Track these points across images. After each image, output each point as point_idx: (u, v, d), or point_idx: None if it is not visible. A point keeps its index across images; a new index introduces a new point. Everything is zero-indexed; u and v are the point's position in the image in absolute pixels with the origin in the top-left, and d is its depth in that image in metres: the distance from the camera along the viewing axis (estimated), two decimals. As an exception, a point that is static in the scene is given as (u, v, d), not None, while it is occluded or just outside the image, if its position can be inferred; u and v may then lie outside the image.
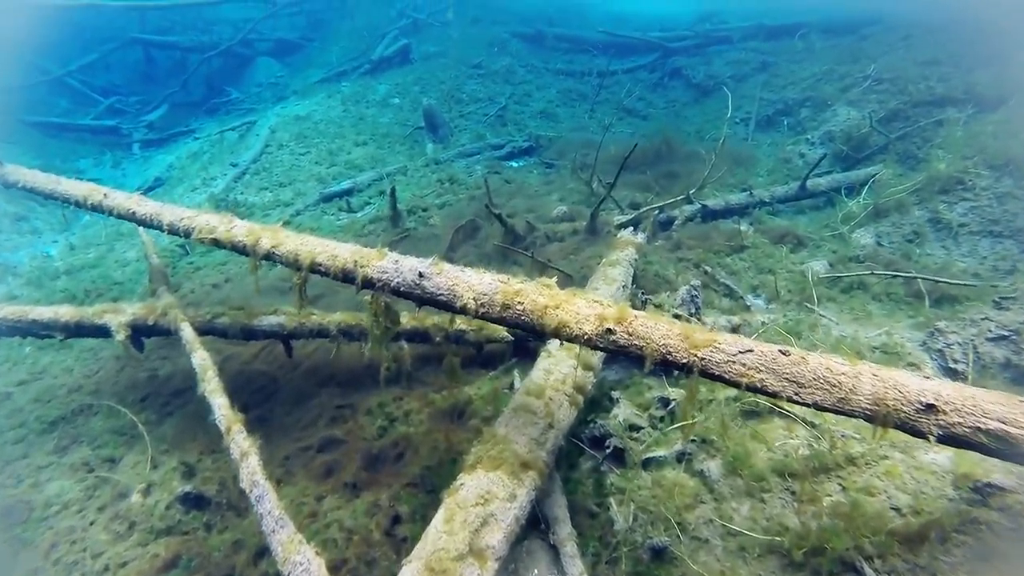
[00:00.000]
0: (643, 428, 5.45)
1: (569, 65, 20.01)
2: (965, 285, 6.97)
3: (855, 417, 3.29)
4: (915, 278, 7.24)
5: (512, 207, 10.83)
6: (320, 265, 4.96)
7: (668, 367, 3.76)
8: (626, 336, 3.77)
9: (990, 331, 5.80)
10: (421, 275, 4.50)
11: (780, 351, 3.48)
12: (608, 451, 5.32)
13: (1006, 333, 5.72)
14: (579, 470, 5.37)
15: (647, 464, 5.22)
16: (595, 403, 5.83)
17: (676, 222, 9.59)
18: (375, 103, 17.61)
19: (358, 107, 17.38)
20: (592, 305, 3.98)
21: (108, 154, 17.41)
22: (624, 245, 7.47)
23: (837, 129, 11.77)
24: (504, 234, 9.34)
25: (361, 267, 4.75)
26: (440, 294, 4.43)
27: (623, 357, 3.85)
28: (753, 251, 8.63)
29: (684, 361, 3.63)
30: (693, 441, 5.08)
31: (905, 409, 3.15)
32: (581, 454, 5.45)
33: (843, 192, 10.02)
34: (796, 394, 3.40)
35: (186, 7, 22.64)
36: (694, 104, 16.78)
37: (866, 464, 4.48)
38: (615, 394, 5.86)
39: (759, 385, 3.48)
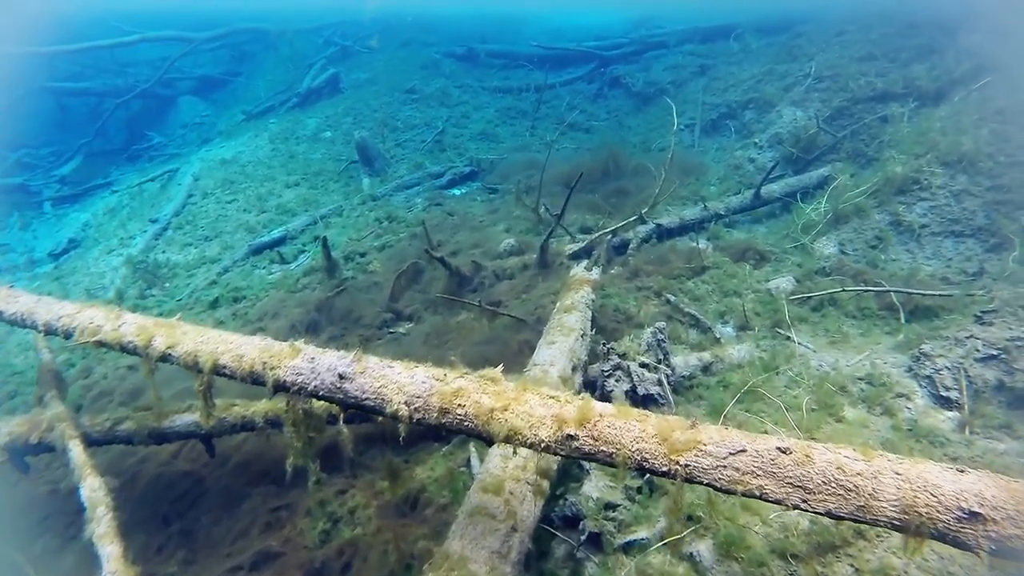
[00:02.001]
0: (619, 505, 4.80)
1: (506, 82, 19.48)
2: (940, 295, 6.58)
3: (879, 526, 2.69)
4: (887, 291, 6.83)
5: (456, 243, 10.13)
6: (224, 367, 4.17)
7: (645, 472, 3.10)
8: (591, 442, 3.11)
9: (978, 351, 5.36)
10: (342, 376, 3.76)
11: (779, 448, 2.86)
12: (583, 536, 4.66)
13: (995, 352, 5.29)
14: (552, 558, 4.68)
15: (628, 548, 4.57)
16: (563, 471, 5.17)
17: (631, 245, 9.05)
18: (305, 139, 16.70)
19: (287, 144, 16.44)
20: (547, 403, 3.30)
21: (16, 214, 15.99)
22: (579, 285, 6.84)
23: (784, 131, 11.48)
24: (449, 277, 8.62)
25: (271, 369, 3.97)
26: (366, 398, 3.69)
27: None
28: (715, 272, 8.13)
29: (664, 469, 2.98)
30: (677, 521, 4.45)
31: (943, 518, 2.55)
32: (552, 537, 4.76)
33: (798, 197, 9.66)
34: (804, 501, 2.77)
35: (97, 49, 21.22)
36: (636, 113, 16.43)
37: (878, 537, 3.91)
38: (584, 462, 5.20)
39: (758, 493, 2.85)
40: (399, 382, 3.63)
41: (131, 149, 20.25)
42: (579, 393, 5.58)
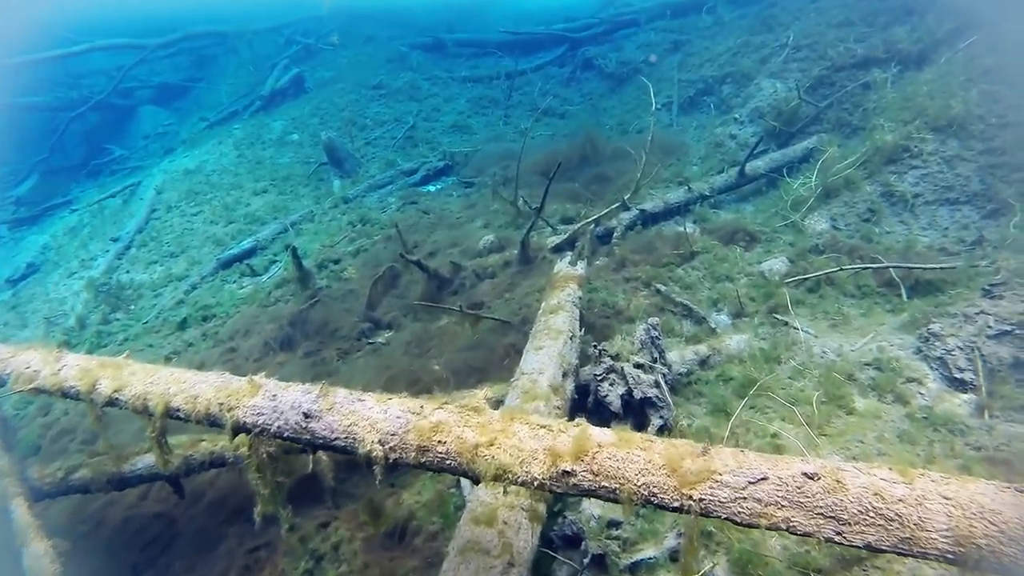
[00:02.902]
0: (622, 522, 4.44)
1: (475, 71, 18.94)
2: (942, 268, 6.27)
3: (930, 560, 2.34)
4: (886, 267, 6.51)
5: (434, 243, 9.69)
6: (177, 410, 3.75)
7: (655, 507, 2.73)
8: (591, 477, 2.74)
9: (990, 327, 5.05)
10: (307, 415, 3.36)
11: (805, 473, 2.50)
12: (586, 560, 4.30)
13: (1008, 328, 4.99)
14: (555, 582, 4.33)
15: (635, 569, 4.23)
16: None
17: (615, 233, 8.67)
18: (272, 143, 16.09)
19: (253, 150, 15.82)
20: (538, 434, 2.92)
21: (-29, 242, 15.29)
22: (564, 283, 6.45)
23: (764, 104, 11.13)
24: (427, 281, 8.20)
25: (229, 410, 3.56)
26: (335, 439, 3.29)
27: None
28: (705, 257, 7.79)
29: (676, 504, 2.61)
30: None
31: (1008, 551, 2.20)
32: (553, 560, 4.40)
33: (784, 172, 9.32)
34: (839, 534, 2.41)
35: (47, 61, 20.31)
36: (611, 94, 16.00)
37: (907, 545, 3.58)
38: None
39: (784, 526, 2.49)
40: (372, 418, 3.23)
41: (91, 164, 19.48)
42: (573, 400, 5.23)
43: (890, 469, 2.47)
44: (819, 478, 2.45)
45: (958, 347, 5.04)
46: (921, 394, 4.88)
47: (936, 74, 8.79)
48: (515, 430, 2.95)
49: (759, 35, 13.19)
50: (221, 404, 3.53)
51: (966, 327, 5.14)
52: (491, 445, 2.90)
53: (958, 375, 4.93)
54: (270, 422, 3.40)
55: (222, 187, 13.92)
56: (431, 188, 12.87)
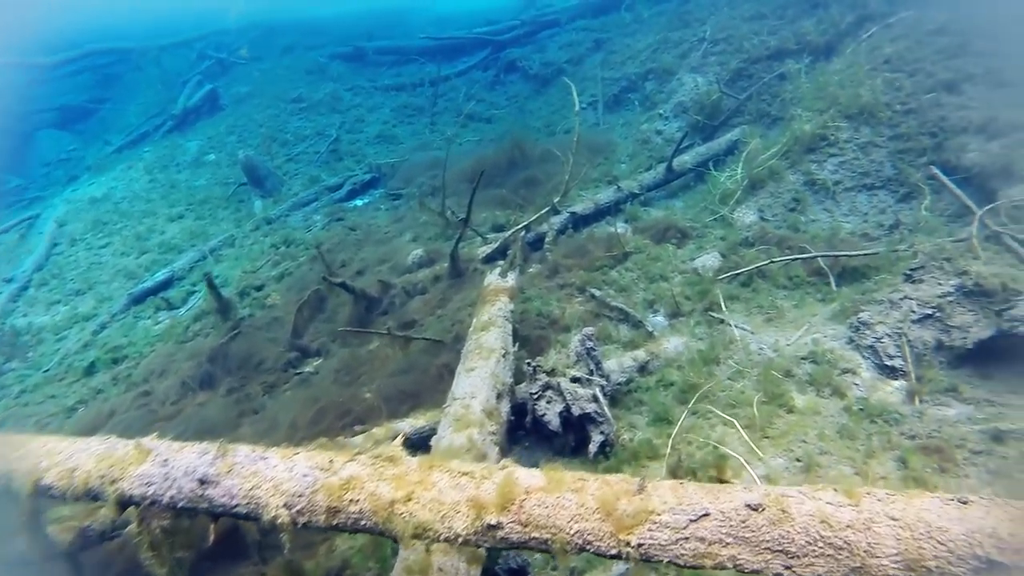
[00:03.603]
0: (571, 548, 4.21)
1: (398, 79, 18.50)
2: (866, 255, 6.35)
3: (879, 589, 2.19)
4: (814, 257, 6.55)
5: (362, 261, 9.28)
6: (51, 488, 3.29)
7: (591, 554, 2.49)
8: (519, 528, 2.48)
9: (913, 312, 5.10)
10: (203, 480, 2.98)
11: (748, 505, 2.32)
12: (535, 595, 4.06)
13: (929, 311, 5.04)
14: (504, 622, 4.06)
15: (587, 600, 4.01)
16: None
17: (547, 239, 8.50)
18: (187, 164, 15.22)
19: (167, 173, 14.92)
20: (460, 483, 2.64)
21: None
22: (494, 296, 6.20)
23: (687, 99, 11.21)
24: (355, 302, 7.80)
25: (112, 482, 3.15)
26: (236, 505, 2.93)
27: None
28: (638, 257, 7.69)
29: (613, 551, 2.38)
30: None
31: (956, 571, 2.07)
32: (501, 596, 4.13)
33: (711, 166, 9.37)
34: (788, 568, 2.25)
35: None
36: (536, 96, 15.90)
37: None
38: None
39: (731, 564, 2.31)
40: (276, 478, 2.88)
41: (-16, 198, 17.95)
42: (510, 422, 4.98)
43: (835, 490, 2.32)
44: (763, 509, 2.28)
45: (886, 334, 5.06)
46: (856, 384, 4.87)
47: (844, 64, 9.02)
48: (435, 480, 2.67)
49: (677, 31, 13.34)
50: (103, 476, 3.11)
51: (892, 313, 5.17)
52: (408, 500, 2.61)
53: (888, 362, 4.95)
54: (161, 492, 3.01)
55: (133, 215, 13.03)
56: (358, 203, 12.41)
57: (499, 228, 9.19)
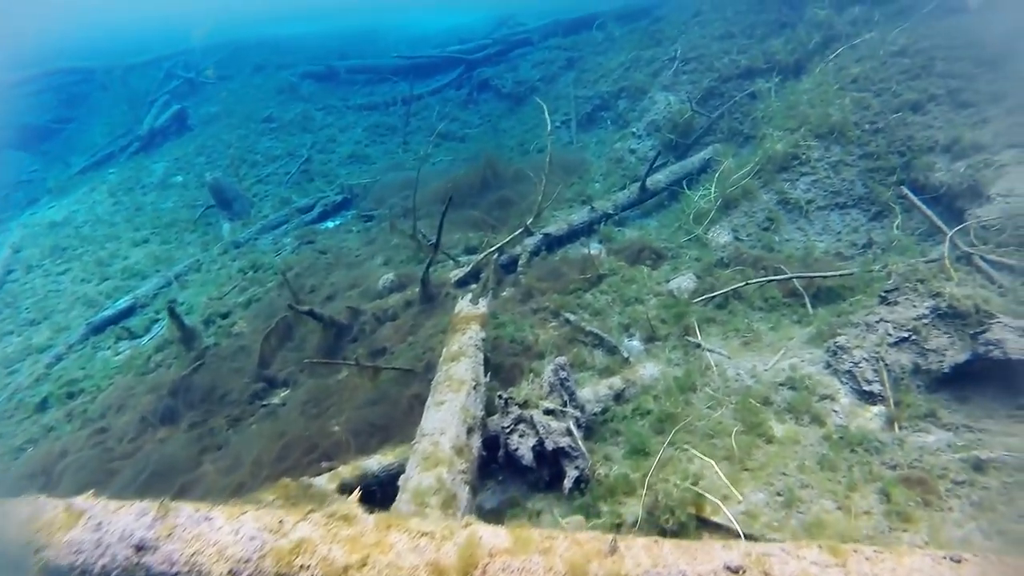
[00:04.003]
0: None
1: (371, 98, 18.35)
2: (840, 275, 6.31)
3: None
4: (790, 278, 6.49)
5: (332, 286, 9.03)
6: (-31, 555, 3.00)
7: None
8: (481, 599, 2.28)
9: (889, 335, 5.03)
10: (140, 546, 2.74)
11: (728, 567, 2.16)
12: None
13: (905, 334, 4.98)
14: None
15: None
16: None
17: (520, 261, 8.36)
18: (153, 187, 14.84)
19: (132, 195, 14.53)
20: (418, 545, 2.45)
21: None
22: (465, 324, 6.02)
23: (660, 117, 11.22)
24: (324, 330, 7.56)
25: (37, 551, 2.88)
26: (176, 574, 2.68)
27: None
28: (612, 279, 7.57)
29: (582, 624, 2.21)
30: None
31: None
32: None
33: (685, 185, 9.34)
34: (767, 638, 2.09)
35: None
36: (509, 115, 15.85)
37: None
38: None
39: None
40: (220, 542, 2.65)
41: (-61, 223, 17.32)
42: (481, 457, 4.78)
43: (820, 548, 2.17)
44: (744, 571, 2.12)
45: (864, 359, 4.98)
46: (835, 411, 4.77)
47: (813, 83, 9.08)
48: (392, 542, 2.47)
49: (648, 49, 13.41)
50: (28, 543, 2.84)
51: (869, 337, 5.10)
52: (363, 565, 2.41)
53: (867, 387, 4.86)
54: (92, 561, 2.75)
55: (95, 240, 12.61)
56: (329, 225, 12.17)
57: (472, 250, 9.03)
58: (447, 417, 4.75)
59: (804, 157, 7.98)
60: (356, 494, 2.80)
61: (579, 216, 9.13)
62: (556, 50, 17.24)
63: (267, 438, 6.38)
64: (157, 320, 9.65)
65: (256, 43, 24.30)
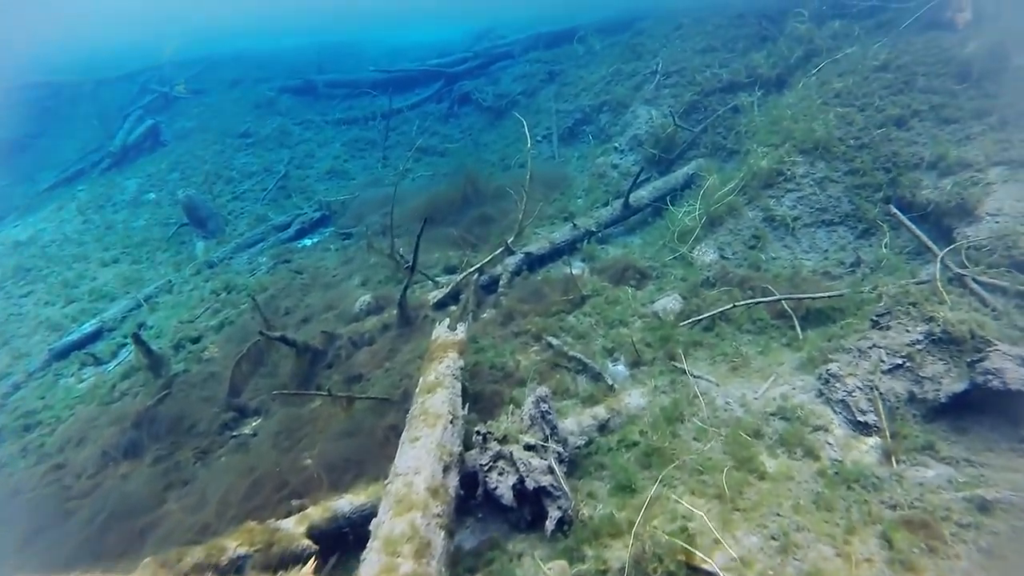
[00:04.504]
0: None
1: (350, 112, 18.06)
2: (830, 297, 6.14)
3: None
4: (778, 300, 6.31)
5: (308, 308, 8.72)
6: None
7: None
8: None
9: (883, 361, 4.85)
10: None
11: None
12: None
13: (899, 360, 4.80)
14: None
15: None
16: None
17: (501, 282, 8.11)
18: (124, 204, 14.42)
19: (102, 213, 14.09)
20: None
21: None
22: (442, 352, 5.74)
23: (642, 132, 11.07)
24: (298, 356, 7.24)
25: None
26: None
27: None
28: (595, 300, 7.35)
29: None
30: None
31: None
32: None
33: (669, 201, 9.17)
34: None
35: None
36: (490, 128, 15.65)
37: None
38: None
39: None
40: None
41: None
42: (459, 497, 4.50)
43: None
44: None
45: (857, 387, 4.78)
46: (829, 444, 4.55)
47: (796, 98, 8.98)
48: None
49: (630, 63, 13.30)
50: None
51: (862, 363, 4.91)
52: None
53: (861, 418, 4.66)
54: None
55: (62, 260, 12.17)
56: (306, 242, 11.85)
57: (451, 270, 8.78)
58: (422, 455, 4.47)
59: (789, 173, 7.84)
60: (310, 566, 2.51)
61: (561, 235, 8.91)
62: (537, 63, 17.08)
63: (236, 473, 6.05)
64: (124, 345, 9.26)
65: (233, 57, 23.94)
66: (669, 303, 6.98)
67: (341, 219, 12.26)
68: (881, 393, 4.70)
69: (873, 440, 4.53)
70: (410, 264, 7.05)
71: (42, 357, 9.07)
